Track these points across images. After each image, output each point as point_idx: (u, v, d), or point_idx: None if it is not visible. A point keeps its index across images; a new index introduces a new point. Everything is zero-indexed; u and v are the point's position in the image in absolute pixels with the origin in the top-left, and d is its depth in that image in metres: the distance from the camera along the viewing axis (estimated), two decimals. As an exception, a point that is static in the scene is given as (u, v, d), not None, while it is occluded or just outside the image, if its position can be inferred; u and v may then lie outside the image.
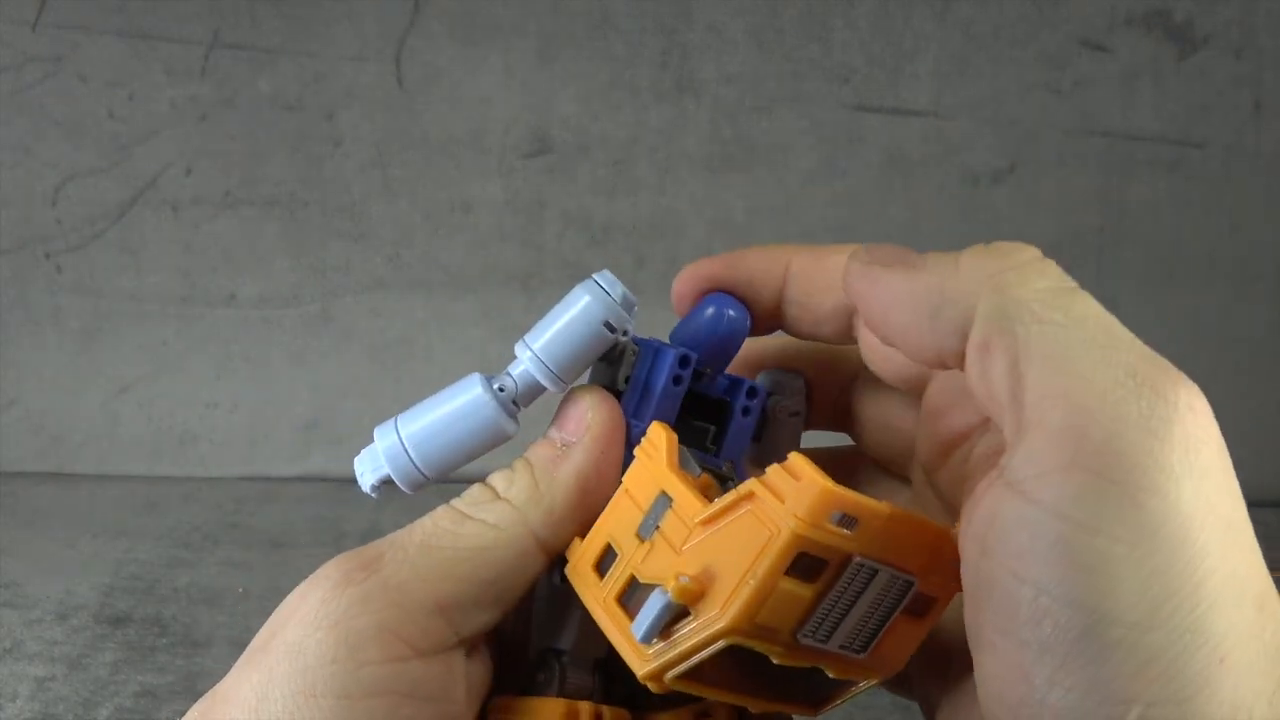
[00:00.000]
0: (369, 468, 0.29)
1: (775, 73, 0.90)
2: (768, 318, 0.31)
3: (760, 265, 0.31)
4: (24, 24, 0.86)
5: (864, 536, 0.24)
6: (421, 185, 0.90)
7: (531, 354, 0.29)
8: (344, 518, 0.81)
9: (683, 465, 0.28)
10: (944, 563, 0.25)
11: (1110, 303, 0.24)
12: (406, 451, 0.29)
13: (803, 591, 0.24)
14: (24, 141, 0.88)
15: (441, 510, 0.29)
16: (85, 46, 0.87)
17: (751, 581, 0.24)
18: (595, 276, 0.30)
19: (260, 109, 0.88)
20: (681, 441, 0.29)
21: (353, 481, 0.30)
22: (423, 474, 0.29)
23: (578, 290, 0.30)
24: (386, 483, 0.29)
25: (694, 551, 0.25)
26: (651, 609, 0.25)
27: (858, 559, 0.24)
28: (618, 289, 0.30)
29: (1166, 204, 0.91)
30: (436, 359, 0.91)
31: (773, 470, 0.25)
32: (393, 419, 0.30)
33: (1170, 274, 0.91)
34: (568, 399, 0.30)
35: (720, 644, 0.24)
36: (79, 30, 0.87)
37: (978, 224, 0.91)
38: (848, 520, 0.24)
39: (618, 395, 0.30)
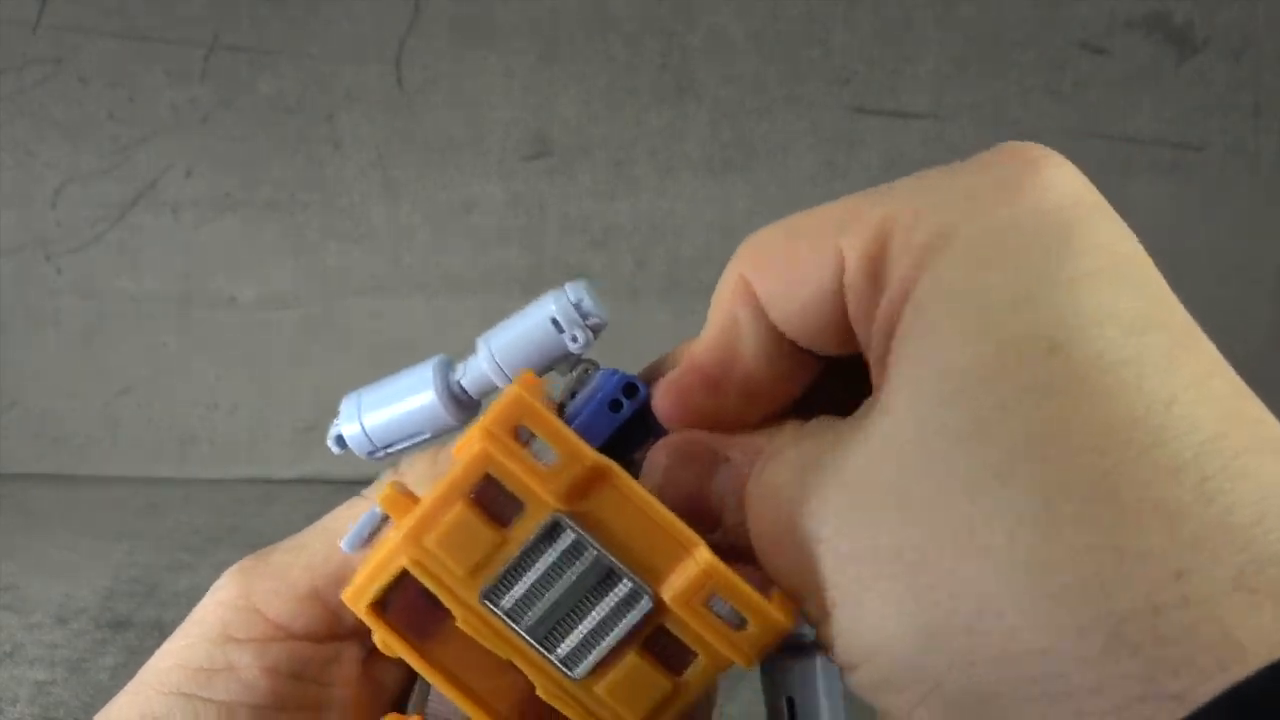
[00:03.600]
0: (333, 424, 0.30)
1: (775, 75, 0.90)
2: (780, 356, 0.24)
3: (726, 318, 0.24)
4: (24, 25, 0.87)
5: (568, 488, 0.21)
6: (422, 187, 0.90)
7: (484, 344, 0.29)
8: (344, 519, 0.81)
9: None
10: (698, 605, 0.21)
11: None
12: (359, 414, 0.29)
13: (487, 530, 0.21)
14: (24, 143, 0.88)
15: (352, 498, 0.29)
16: (85, 48, 0.87)
17: (431, 494, 0.22)
18: (569, 283, 0.28)
19: (260, 111, 0.88)
20: None
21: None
22: (370, 441, 0.29)
23: (547, 293, 0.29)
24: (343, 442, 0.30)
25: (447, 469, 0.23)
26: (363, 517, 0.24)
27: (559, 517, 0.21)
28: (581, 295, 0.28)
29: (1166, 206, 0.91)
30: (436, 361, 0.91)
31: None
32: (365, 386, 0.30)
33: (1170, 275, 0.91)
34: None
35: (397, 563, 0.22)
36: (79, 32, 0.87)
37: (978, 226, 0.92)
38: (542, 450, 0.21)
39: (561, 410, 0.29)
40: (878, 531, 0.19)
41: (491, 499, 0.22)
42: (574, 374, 0.28)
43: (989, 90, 0.90)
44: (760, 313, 0.23)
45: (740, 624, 0.21)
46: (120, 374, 0.91)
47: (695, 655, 0.22)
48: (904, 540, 0.18)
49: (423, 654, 0.23)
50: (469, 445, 0.22)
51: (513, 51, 0.89)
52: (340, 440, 0.29)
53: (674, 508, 0.23)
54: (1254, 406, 0.18)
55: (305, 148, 0.89)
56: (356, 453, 0.29)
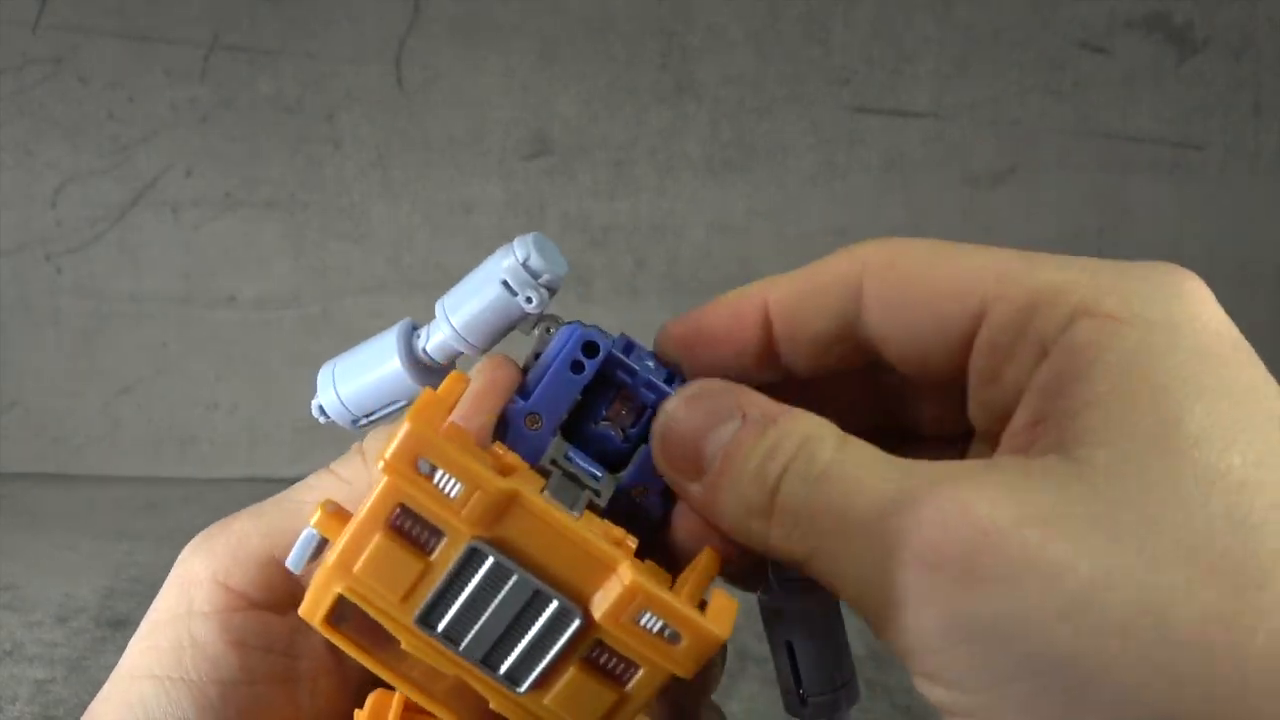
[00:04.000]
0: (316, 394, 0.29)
1: (775, 74, 0.90)
2: (762, 364, 0.27)
3: (731, 312, 0.27)
4: (24, 25, 0.86)
5: (479, 516, 0.21)
6: (422, 186, 0.90)
7: (441, 308, 0.28)
8: (344, 519, 0.81)
9: (542, 450, 0.25)
10: (628, 622, 0.21)
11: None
12: (334, 385, 0.29)
13: (409, 559, 0.21)
14: (24, 142, 0.88)
15: (319, 470, 0.29)
16: (85, 48, 0.87)
17: (352, 524, 0.22)
18: (518, 238, 0.27)
19: (260, 110, 0.88)
20: (577, 442, 0.26)
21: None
22: (348, 410, 0.29)
23: (497, 250, 0.28)
24: (325, 411, 0.29)
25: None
26: (301, 537, 0.24)
27: (477, 544, 0.21)
28: (528, 252, 0.27)
29: (1166, 205, 0.91)
30: (436, 360, 0.91)
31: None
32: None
33: (1170, 275, 0.91)
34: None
35: (333, 590, 0.22)
36: (79, 32, 0.87)
37: (978, 225, 0.92)
38: (446, 481, 0.21)
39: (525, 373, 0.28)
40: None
41: (409, 526, 0.22)
42: (536, 333, 0.27)
43: (989, 90, 0.90)
44: (846, 313, 0.25)
45: (674, 638, 0.21)
46: (120, 373, 0.91)
47: (637, 667, 0.22)
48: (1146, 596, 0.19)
49: (384, 663, 0.23)
50: (380, 477, 0.21)
51: (513, 51, 0.89)
52: (323, 409, 0.29)
53: (671, 449, 0.24)
54: None
55: (305, 147, 0.89)
56: (339, 423, 0.29)
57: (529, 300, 0.26)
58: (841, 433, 0.23)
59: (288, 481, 0.29)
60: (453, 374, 0.25)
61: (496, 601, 0.22)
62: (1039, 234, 0.92)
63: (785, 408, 0.24)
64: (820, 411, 0.24)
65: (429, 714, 0.25)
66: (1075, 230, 0.92)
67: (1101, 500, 0.19)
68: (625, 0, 0.88)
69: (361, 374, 0.28)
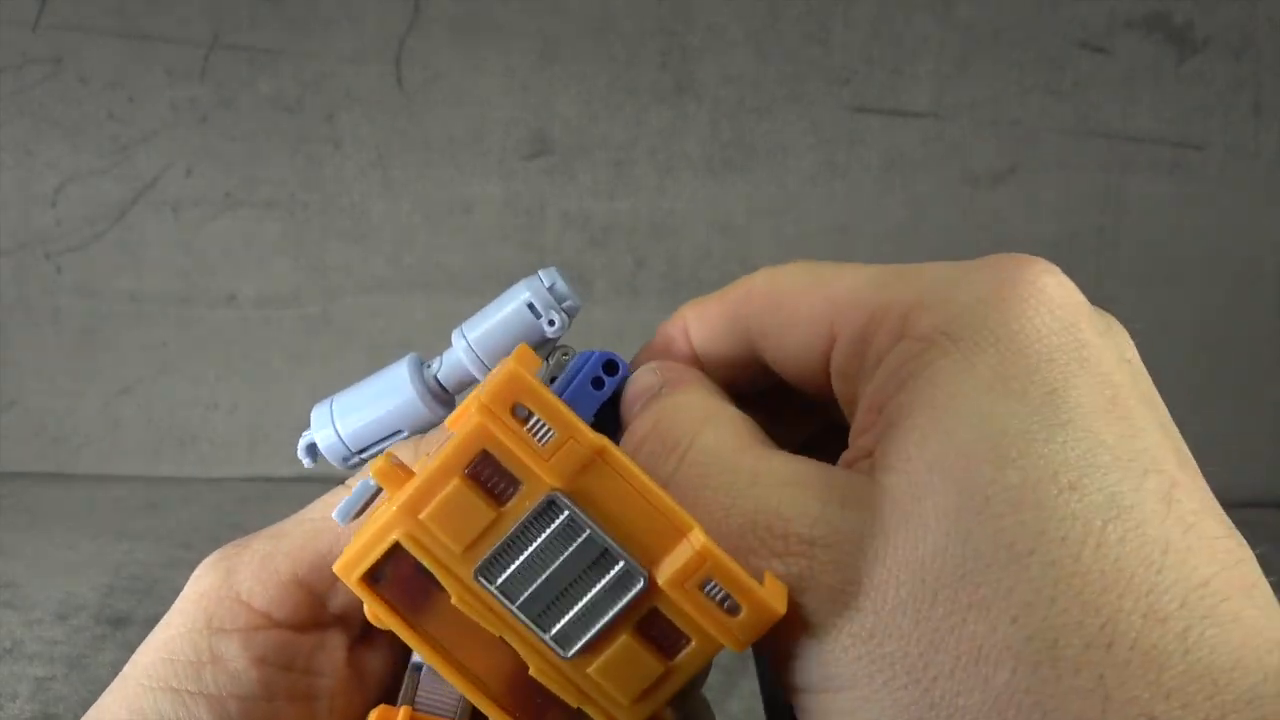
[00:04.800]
0: (304, 433, 0.29)
1: (775, 74, 0.90)
2: (753, 377, 0.28)
3: (664, 342, 0.29)
4: (24, 25, 0.87)
5: (565, 466, 0.21)
6: (422, 186, 0.90)
7: (461, 337, 0.28)
8: (344, 518, 0.81)
9: None
10: (692, 588, 0.21)
11: (1110, 302, 0.24)
12: (333, 421, 0.29)
13: (482, 507, 0.21)
14: (24, 143, 0.88)
15: (336, 488, 0.29)
16: (85, 48, 0.87)
17: (427, 469, 0.22)
18: (542, 269, 0.29)
19: (260, 110, 0.88)
20: None
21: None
22: (346, 447, 0.29)
23: (519, 282, 0.29)
24: (315, 451, 0.29)
25: (434, 447, 0.23)
26: (356, 487, 0.24)
27: (556, 495, 0.21)
28: (554, 279, 0.28)
29: (1166, 205, 0.91)
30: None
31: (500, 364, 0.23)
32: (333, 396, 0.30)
33: (1170, 274, 0.91)
34: None
35: (390, 536, 0.22)
36: (79, 31, 0.87)
37: (978, 224, 0.92)
38: (540, 427, 0.21)
39: None
40: (888, 622, 0.20)
41: (487, 474, 0.22)
42: (551, 361, 0.28)
43: (989, 89, 0.90)
44: (745, 338, 0.27)
45: (734, 609, 0.21)
46: (120, 373, 0.91)
47: (688, 640, 0.22)
48: (912, 646, 0.20)
49: (414, 628, 0.23)
50: (465, 419, 0.21)
51: (513, 51, 0.89)
52: (312, 450, 0.29)
53: (631, 405, 0.25)
54: (1237, 546, 0.20)
55: (305, 147, 0.89)
56: (331, 461, 0.29)
57: (551, 323, 0.28)
58: (710, 411, 0.25)
59: (287, 481, 0.29)
60: (524, 347, 0.26)
61: (562, 558, 0.22)
62: (1039, 234, 0.92)
63: (682, 381, 0.26)
64: (776, 415, 0.26)
65: None
66: (1075, 230, 0.92)
67: (882, 535, 0.21)
68: (625, 0, 0.88)
69: (367, 408, 0.29)
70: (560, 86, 0.89)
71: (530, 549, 0.22)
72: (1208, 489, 0.21)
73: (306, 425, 0.30)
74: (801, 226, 0.91)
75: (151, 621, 0.27)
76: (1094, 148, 0.91)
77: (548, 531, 0.22)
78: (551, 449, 0.21)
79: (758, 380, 0.28)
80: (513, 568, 0.22)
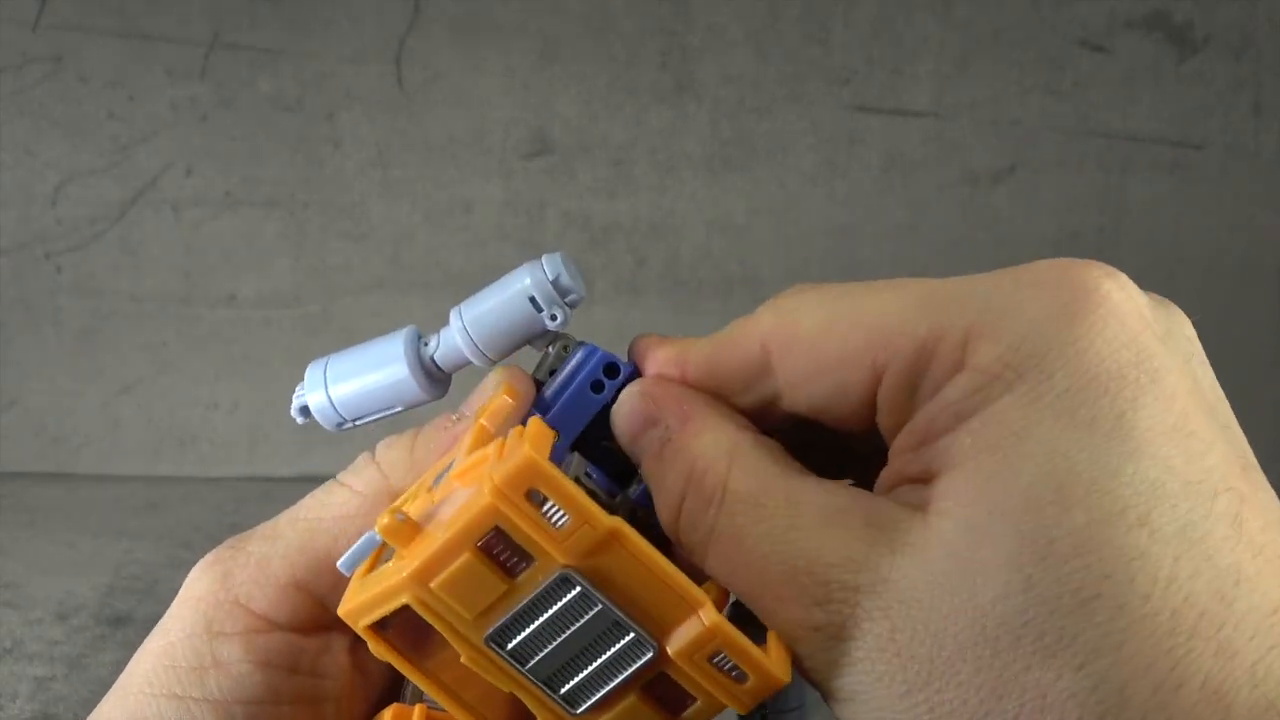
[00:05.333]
0: (297, 393, 0.29)
1: (775, 74, 0.90)
2: (764, 415, 0.26)
3: (728, 364, 0.26)
4: (24, 24, 0.87)
5: (578, 548, 0.21)
6: (421, 186, 0.90)
7: (458, 317, 0.27)
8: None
9: (562, 467, 0.25)
10: (701, 660, 0.22)
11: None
12: (326, 384, 0.28)
13: (494, 579, 0.22)
14: (24, 142, 0.88)
15: (327, 483, 0.28)
16: (85, 47, 0.87)
17: (439, 539, 0.21)
18: (546, 256, 0.27)
19: (260, 109, 0.88)
20: (590, 458, 0.26)
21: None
22: (337, 413, 0.28)
23: (522, 266, 0.28)
24: (308, 412, 0.29)
25: (438, 500, 0.23)
26: (361, 540, 0.23)
27: (569, 573, 0.21)
28: (559, 270, 0.27)
29: (1166, 204, 0.91)
30: (436, 359, 0.91)
31: (514, 431, 0.23)
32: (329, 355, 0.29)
33: (1170, 274, 0.91)
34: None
35: (399, 600, 0.22)
36: (79, 31, 0.87)
37: (978, 224, 0.92)
38: (554, 512, 0.21)
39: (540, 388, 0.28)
40: (945, 670, 0.20)
41: (499, 548, 0.22)
42: (552, 351, 0.27)
43: (989, 89, 0.90)
44: (768, 378, 0.25)
45: (741, 678, 0.22)
46: (120, 372, 0.91)
47: (693, 699, 0.22)
48: (972, 694, 0.19)
49: (419, 668, 0.23)
50: (477, 494, 0.21)
51: (513, 51, 0.89)
52: (305, 410, 0.28)
53: (625, 442, 0.25)
54: None
55: (305, 146, 0.89)
56: (322, 424, 0.28)
57: (554, 318, 0.27)
58: (733, 451, 0.23)
59: (287, 481, 0.29)
60: (505, 386, 0.26)
61: (574, 628, 0.22)
62: (1039, 233, 0.92)
63: (690, 416, 0.24)
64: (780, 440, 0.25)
65: None
66: (1075, 230, 0.92)
67: (934, 584, 0.20)
68: (625, 0, 0.88)
69: (360, 377, 0.28)
70: (560, 86, 0.89)
71: (541, 619, 0.22)
72: (1272, 494, 0.21)
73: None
74: (801, 226, 0.91)
75: (152, 621, 0.27)
76: (1094, 147, 0.91)
77: (560, 604, 0.22)
78: (566, 533, 0.21)
79: (778, 421, 0.25)
80: (523, 635, 0.22)
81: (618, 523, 0.21)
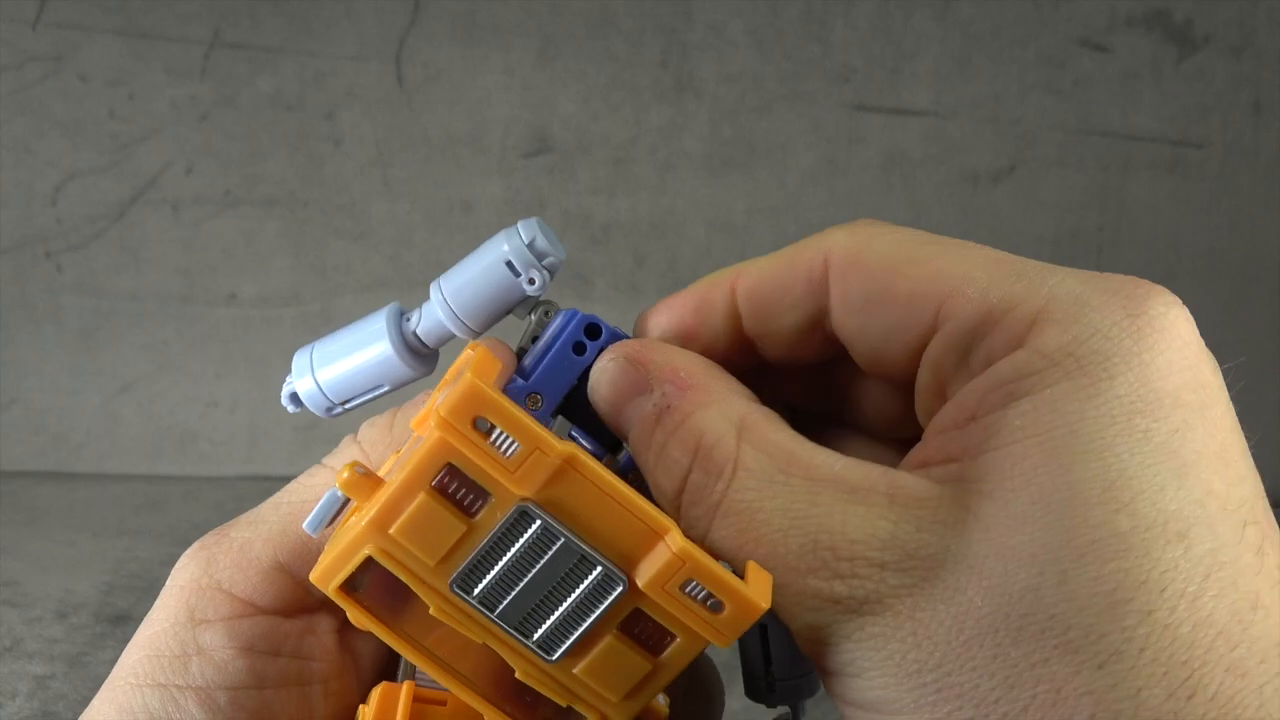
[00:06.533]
0: (286, 381, 0.29)
1: (775, 72, 0.90)
2: (733, 353, 0.26)
3: (698, 304, 0.26)
4: (24, 24, 0.86)
5: (533, 478, 0.21)
6: (421, 185, 0.90)
7: (438, 289, 0.27)
8: (344, 517, 0.81)
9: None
10: (673, 589, 0.21)
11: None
12: (313, 370, 0.28)
13: (452, 520, 0.21)
14: (24, 141, 0.88)
15: (312, 467, 0.28)
16: (85, 46, 0.87)
17: (392, 483, 0.21)
18: (521, 220, 0.27)
19: (260, 108, 0.88)
20: (577, 423, 0.26)
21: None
22: (326, 397, 0.28)
23: (498, 234, 0.28)
24: (299, 399, 0.29)
25: (402, 455, 0.23)
26: (324, 498, 0.23)
27: (527, 505, 0.21)
28: (534, 234, 0.26)
29: (1166, 204, 0.91)
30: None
31: (461, 359, 0.22)
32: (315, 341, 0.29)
33: (1170, 274, 0.91)
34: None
35: (362, 551, 0.21)
36: (79, 30, 0.87)
37: (978, 223, 0.92)
38: (504, 440, 0.20)
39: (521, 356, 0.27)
40: (961, 653, 0.20)
41: (454, 487, 0.21)
42: (534, 317, 0.27)
43: (989, 88, 0.90)
44: (820, 294, 0.24)
45: (717, 607, 0.21)
46: (120, 371, 0.91)
47: (673, 637, 0.22)
48: (985, 680, 0.20)
49: (396, 630, 0.23)
50: (427, 431, 0.21)
51: (513, 49, 0.89)
52: (295, 398, 0.28)
53: (599, 408, 0.24)
54: None
55: (305, 145, 0.89)
56: (313, 410, 0.28)
57: (531, 282, 0.26)
58: (743, 423, 0.23)
59: (287, 479, 0.29)
60: (483, 345, 0.25)
61: (539, 566, 0.21)
62: (1039, 232, 0.92)
63: (690, 383, 0.24)
64: (774, 397, 0.24)
65: (439, 704, 0.25)
66: (1075, 229, 0.92)
67: (968, 571, 0.20)
68: (625, -2, 0.88)
69: (345, 358, 0.28)
70: (560, 85, 0.89)
71: (506, 559, 0.21)
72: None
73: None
74: (801, 225, 0.91)
75: (152, 620, 0.27)
76: (1094, 146, 0.91)
77: (522, 541, 0.21)
78: (517, 461, 0.21)
79: (815, 350, 0.25)
80: (489, 578, 0.21)
81: (572, 448, 0.21)
